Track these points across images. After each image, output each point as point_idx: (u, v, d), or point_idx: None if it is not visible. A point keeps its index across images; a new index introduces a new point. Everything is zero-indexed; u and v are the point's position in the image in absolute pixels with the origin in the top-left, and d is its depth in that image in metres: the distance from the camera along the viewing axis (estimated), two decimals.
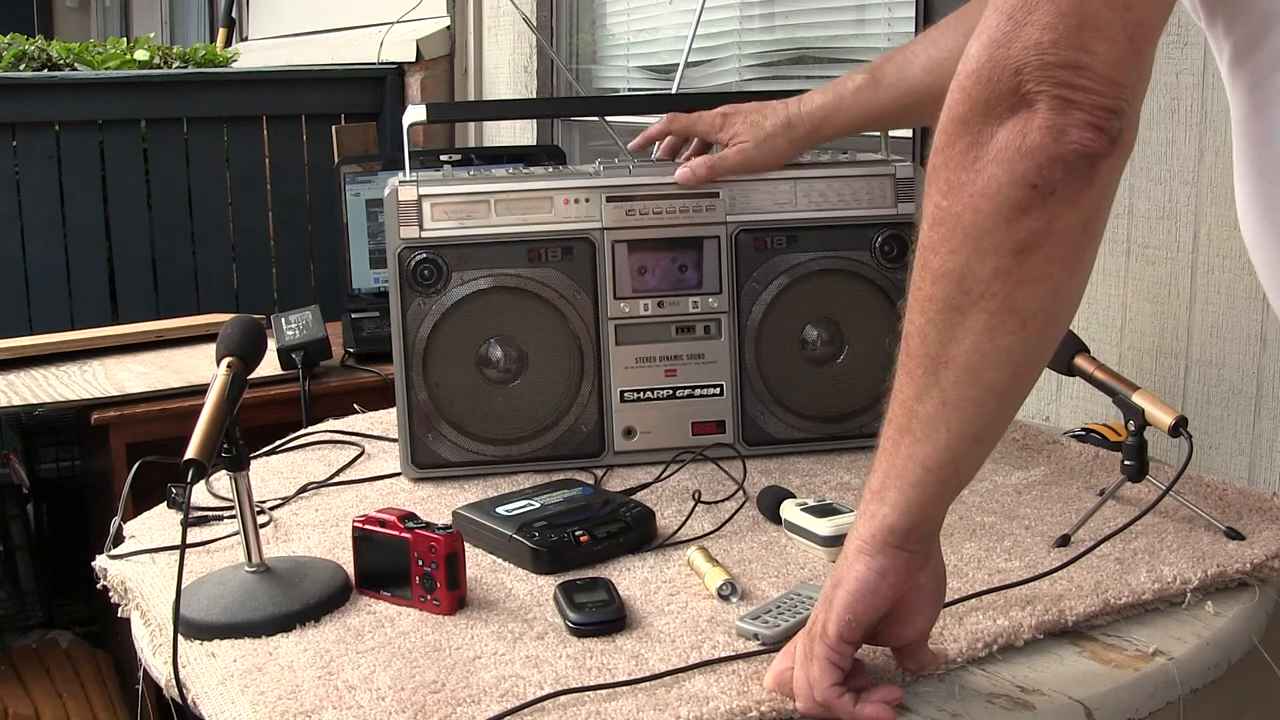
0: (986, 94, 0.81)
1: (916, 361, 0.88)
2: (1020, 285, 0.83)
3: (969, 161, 0.82)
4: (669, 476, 1.47)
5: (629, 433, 1.51)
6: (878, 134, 1.58)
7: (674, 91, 2.46)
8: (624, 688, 0.98)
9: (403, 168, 1.51)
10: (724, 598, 1.13)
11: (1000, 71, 0.80)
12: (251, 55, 4.54)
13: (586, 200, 1.48)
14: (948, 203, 0.84)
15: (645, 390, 1.51)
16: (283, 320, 2.26)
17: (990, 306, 0.84)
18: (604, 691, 0.97)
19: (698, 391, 1.52)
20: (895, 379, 0.91)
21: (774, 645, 1.02)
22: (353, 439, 1.65)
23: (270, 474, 1.52)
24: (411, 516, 1.16)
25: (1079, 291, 0.87)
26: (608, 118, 2.57)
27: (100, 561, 1.28)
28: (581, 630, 1.08)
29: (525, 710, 0.95)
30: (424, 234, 1.46)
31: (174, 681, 1.04)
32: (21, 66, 3.38)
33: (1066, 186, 0.80)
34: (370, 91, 3.31)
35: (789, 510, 1.29)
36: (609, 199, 1.49)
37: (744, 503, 1.37)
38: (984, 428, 0.89)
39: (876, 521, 0.92)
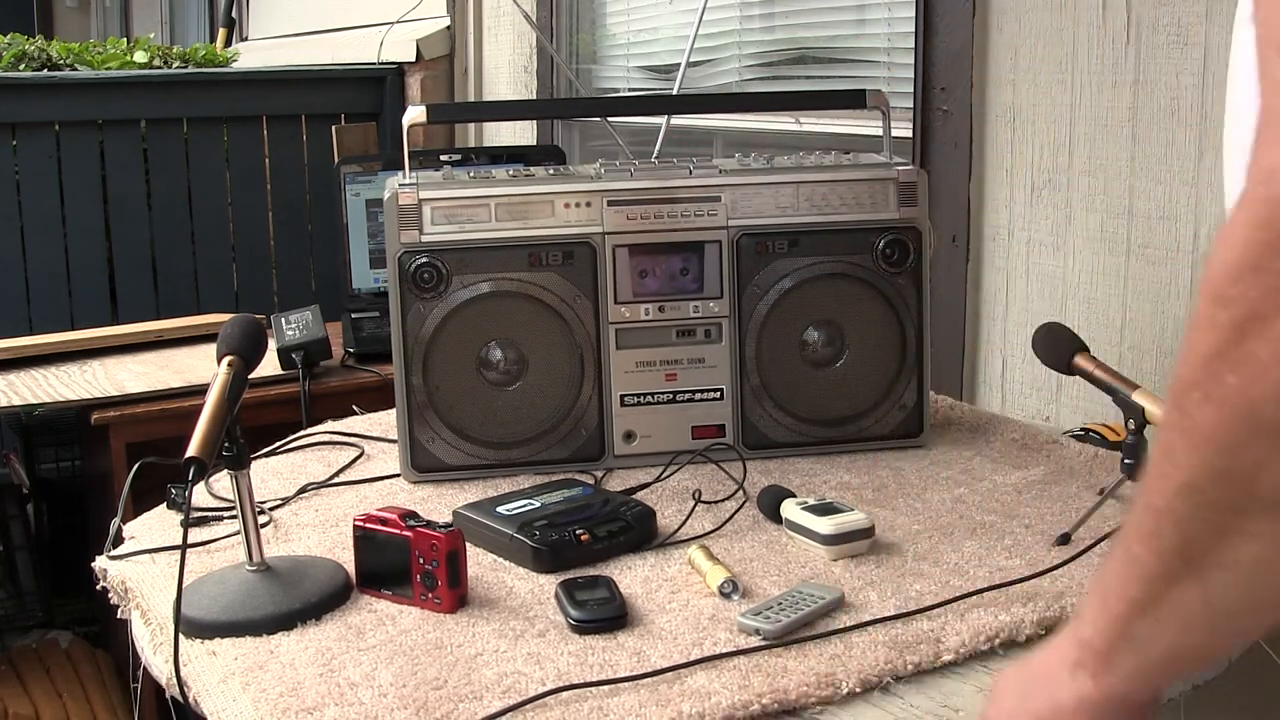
0: None
1: (1173, 552, 0.65)
2: None
3: None
4: (669, 476, 1.47)
5: (629, 436, 1.51)
6: (879, 135, 1.58)
7: (674, 92, 2.46)
8: (626, 684, 0.98)
9: (403, 168, 1.50)
10: (725, 595, 1.14)
11: None
12: (251, 55, 4.53)
13: (587, 204, 1.48)
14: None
15: (646, 394, 1.51)
16: (283, 320, 2.26)
17: None
18: (606, 688, 0.98)
19: (698, 395, 1.52)
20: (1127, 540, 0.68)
21: (775, 640, 1.03)
22: (352, 440, 1.65)
23: (270, 474, 1.52)
24: (412, 515, 1.16)
25: None
26: (609, 118, 2.58)
27: (100, 562, 1.28)
28: (583, 627, 1.08)
29: (527, 706, 0.95)
30: (424, 238, 1.46)
31: (175, 680, 1.04)
32: (21, 66, 3.37)
33: None
34: (370, 91, 3.31)
35: (789, 509, 1.29)
36: (610, 203, 1.48)
37: (744, 502, 1.37)
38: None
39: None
